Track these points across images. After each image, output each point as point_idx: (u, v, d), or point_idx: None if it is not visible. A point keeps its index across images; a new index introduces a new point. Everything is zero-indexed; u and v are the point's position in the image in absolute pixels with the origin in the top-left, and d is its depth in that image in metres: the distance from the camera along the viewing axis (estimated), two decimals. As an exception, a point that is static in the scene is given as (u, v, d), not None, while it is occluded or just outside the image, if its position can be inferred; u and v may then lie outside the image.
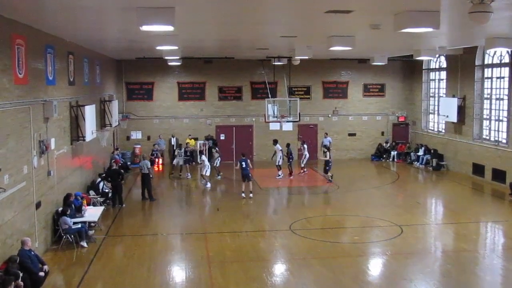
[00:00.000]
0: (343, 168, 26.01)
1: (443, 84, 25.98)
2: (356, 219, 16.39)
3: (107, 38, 16.11)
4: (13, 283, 8.87)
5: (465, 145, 23.55)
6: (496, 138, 21.80)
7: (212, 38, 16.03)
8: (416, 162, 26.61)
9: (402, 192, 21.28)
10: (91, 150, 18.96)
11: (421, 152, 26.52)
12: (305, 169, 24.09)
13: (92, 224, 14.71)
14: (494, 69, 22.09)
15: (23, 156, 11.38)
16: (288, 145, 23.93)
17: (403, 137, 29.23)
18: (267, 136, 26.78)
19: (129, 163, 25.78)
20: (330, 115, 28.76)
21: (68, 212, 13.40)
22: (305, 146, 24.30)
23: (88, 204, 15.73)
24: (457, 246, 13.87)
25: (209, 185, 21.26)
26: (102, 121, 20.82)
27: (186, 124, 27.91)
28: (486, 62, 22.54)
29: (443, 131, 25.93)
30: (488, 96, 22.48)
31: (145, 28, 9.37)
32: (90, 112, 16.49)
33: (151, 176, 19.39)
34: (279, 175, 22.98)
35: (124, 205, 17.89)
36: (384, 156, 28.50)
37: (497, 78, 21.86)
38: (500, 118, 21.61)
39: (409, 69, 28.75)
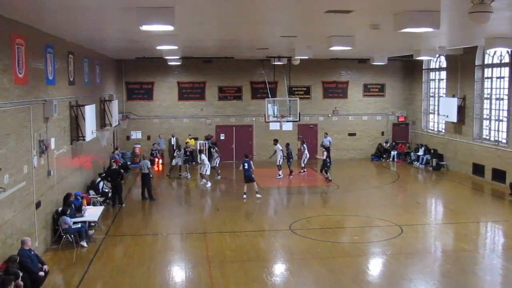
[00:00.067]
0: (343, 168, 26.04)
1: (443, 84, 25.99)
2: (356, 219, 16.40)
3: (107, 38, 16.12)
4: (13, 282, 8.87)
5: (465, 145, 23.55)
6: (496, 138, 21.80)
7: (212, 38, 16.03)
8: (416, 162, 26.61)
9: (402, 192, 21.28)
10: (91, 150, 18.96)
11: (421, 152, 26.52)
12: (305, 169, 24.09)
13: (92, 224, 14.71)
14: (494, 69, 22.09)
15: (23, 155, 11.38)
16: (287, 144, 23.94)
17: (403, 137, 29.23)
18: (267, 136, 26.80)
19: (129, 162, 25.79)
20: (330, 115, 28.76)
21: (68, 212, 13.41)
22: (305, 146, 24.30)
23: (88, 204, 15.73)
24: (457, 246, 13.87)
25: (209, 184, 21.26)
26: (102, 121, 20.83)
27: (186, 124, 27.91)
28: (486, 62, 22.54)
29: (443, 131, 25.93)
30: (488, 96, 22.48)
31: (145, 28, 9.38)
32: (90, 112, 16.49)
33: (151, 176, 19.39)
34: (280, 175, 22.99)
35: (124, 205, 17.89)
36: (384, 156, 28.50)
37: (497, 78, 21.87)
38: (500, 118, 21.62)
39: (409, 69, 28.75)
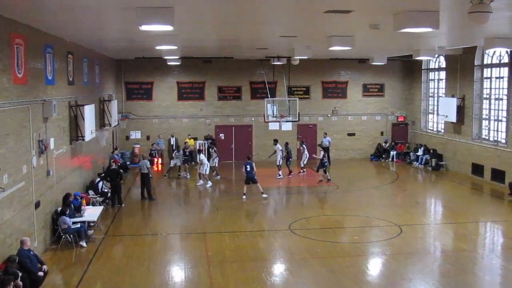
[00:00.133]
0: (342, 168, 26.05)
1: (443, 84, 26.00)
2: (355, 219, 16.40)
3: (106, 38, 16.11)
4: (12, 282, 8.87)
5: (464, 145, 23.56)
6: (495, 138, 21.81)
7: (211, 38, 16.03)
8: (415, 162, 26.63)
9: (402, 192, 21.28)
10: (90, 150, 18.96)
11: (420, 152, 26.53)
12: (305, 169, 24.10)
13: (91, 224, 14.70)
14: (493, 69, 22.10)
15: (22, 155, 11.37)
16: (286, 144, 23.96)
17: (403, 137, 29.24)
18: (266, 136, 26.80)
19: (128, 162, 25.78)
20: (329, 115, 28.77)
21: (67, 212, 13.40)
22: (305, 146, 24.32)
23: (87, 204, 15.73)
24: (456, 246, 13.87)
25: (210, 184, 21.24)
26: (101, 121, 20.81)
27: (185, 124, 27.91)
28: (485, 62, 22.55)
29: (442, 131, 25.94)
30: (487, 96, 22.49)
31: (144, 28, 9.38)
32: (89, 112, 16.48)
33: (150, 176, 19.38)
34: (279, 175, 23.00)
35: (123, 205, 17.88)
36: (384, 156, 28.51)
37: (496, 78, 21.88)
38: (499, 118, 21.63)
39: (409, 69, 28.76)
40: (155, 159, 26.19)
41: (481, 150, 22.34)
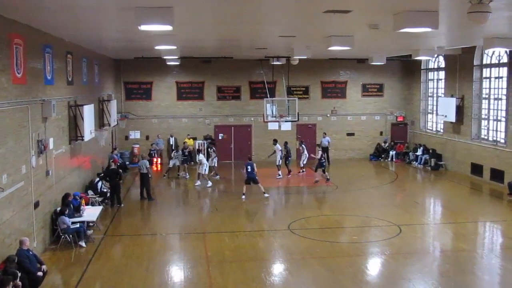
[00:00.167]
0: (341, 168, 26.06)
1: (442, 84, 26.01)
2: (354, 218, 16.40)
3: (105, 38, 16.10)
4: (11, 283, 8.86)
5: (464, 145, 23.58)
6: (495, 138, 21.82)
7: (210, 37, 16.02)
8: (414, 162, 26.64)
9: (401, 192, 21.29)
10: (90, 149, 18.95)
11: (419, 152, 26.55)
12: (304, 169, 24.10)
13: (91, 224, 14.70)
14: (493, 69, 22.11)
15: (21, 155, 11.37)
16: (285, 143, 23.99)
17: (402, 137, 29.25)
18: (265, 136, 26.81)
19: (127, 162, 25.77)
20: (328, 115, 28.77)
21: (67, 212, 13.40)
22: (304, 146, 24.33)
23: (87, 204, 15.73)
24: (456, 246, 13.88)
25: (210, 184, 21.22)
26: (100, 121, 20.80)
27: (184, 123, 27.90)
28: (484, 62, 22.56)
29: (442, 131, 25.95)
30: (487, 96, 22.50)
31: (143, 27, 9.37)
32: (88, 112, 16.47)
33: (149, 176, 19.37)
34: (279, 175, 23.01)
35: (122, 205, 17.87)
36: (383, 156, 28.52)
37: (496, 78, 21.89)
38: (499, 118, 21.64)
39: (408, 69, 28.77)
40: (154, 159, 26.20)
41: (480, 150, 22.35)
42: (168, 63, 25.25)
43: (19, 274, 9.44)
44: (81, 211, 14.35)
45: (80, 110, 15.93)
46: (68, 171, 15.72)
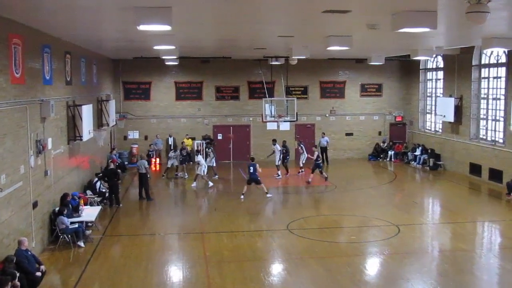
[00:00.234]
0: (340, 168, 26.08)
1: (440, 84, 26.03)
2: (353, 218, 16.41)
3: (104, 38, 16.09)
4: (9, 283, 8.85)
5: (462, 144, 23.60)
6: (493, 138, 21.85)
7: (209, 38, 16.02)
8: (413, 162, 26.66)
9: (399, 191, 21.31)
10: (88, 149, 18.93)
11: (418, 152, 26.57)
12: (303, 169, 24.11)
13: (89, 224, 14.70)
14: (491, 69, 22.14)
15: (20, 155, 11.35)
16: (284, 142, 24.00)
17: (400, 137, 29.27)
18: (264, 136, 26.81)
19: (126, 162, 25.75)
20: (327, 115, 28.78)
21: (65, 212, 13.38)
22: (302, 146, 24.37)
23: (85, 204, 15.71)
24: (454, 246, 13.89)
25: (211, 184, 21.18)
26: (99, 121, 20.78)
27: (183, 123, 27.89)
28: (483, 62, 22.58)
29: (440, 130, 25.97)
30: (485, 96, 22.52)
31: (142, 27, 9.36)
32: (87, 112, 16.46)
33: (148, 176, 19.36)
34: (278, 175, 23.03)
35: (121, 205, 17.86)
36: (382, 155, 28.54)
37: (494, 78, 21.91)
38: (497, 118, 21.67)
39: (406, 69, 28.79)
40: (153, 160, 26.18)
41: (479, 150, 22.38)
42: (166, 63, 25.24)
43: (18, 274, 9.43)
44: (79, 211, 14.33)
45: (79, 110, 15.92)
46: (67, 171, 15.70)
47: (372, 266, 12.23)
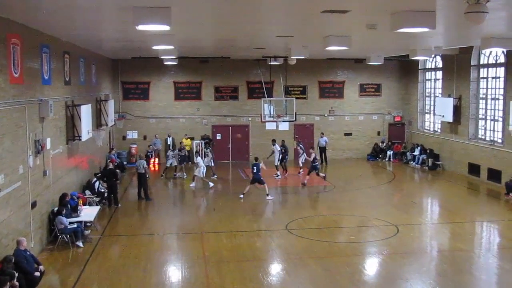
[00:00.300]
0: (339, 167, 26.08)
1: (439, 84, 26.04)
2: (352, 218, 16.42)
3: (103, 38, 16.08)
4: (8, 283, 8.85)
5: (461, 144, 23.62)
6: (492, 138, 21.87)
7: (208, 37, 16.02)
8: (412, 162, 26.68)
9: (398, 191, 21.32)
10: (87, 149, 18.92)
11: (417, 152, 26.58)
12: (302, 169, 24.11)
13: (88, 224, 14.69)
14: (490, 69, 22.16)
15: (18, 155, 11.35)
16: (283, 141, 24.03)
17: (399, 137, 29.28)
18: (263, 135, 26.82)
19: (125, 162, 25.73)
20: (326, 115, 28.78)
21: (64, 212, 13.37)
22: (301, 146, 24.39)
23: (84, 204, 15.70)
24: (453, 246, 13.90)
25: (211, 185, 21.14)
26: (98, 121, 20.77)
27: (182, 123, 27.87)
28: (481, 62, 22.60)
29: (439, 131, 25.99)
30: (484, 96, 22.54)
31: (141, 27, 9.36)
32: (86, 112, 16.45)
33: (147, 176, 19.36)
34: (277, 175, 23.03)
35: (119, 205, 17.84)
36: (380, 155, 28.55)
37: (493, 78, 21.94)
38: (496, 118, 21.68)
39: (405, 69, 28.81)
40: (151, 160, 26.16)
41: (478, 150, 22.40)
42: (165, 63, 25.24)
43: (16, 275, 9.42)
44: (78, 211, 14.33)
45: (78, 110, 15.91)
46: (66, 171, 15.69)
47: (371, 266, 12.24)
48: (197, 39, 16.09)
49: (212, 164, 23.13)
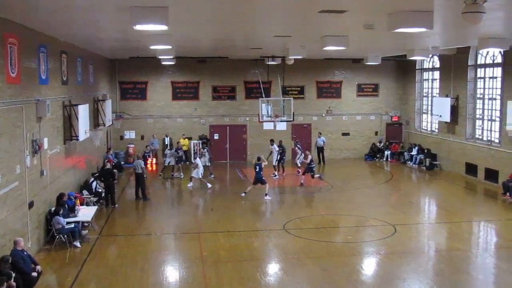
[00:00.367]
0: (337, 167, 26.09)
1: (436, 84, 26.08)
2: (349, 218, 16.43)
3: (100, 38, 16.05)
4: (5, 283, 8.83)
5: (458, 144, 23.65)
6: (489, 138, 21.90)
7: (206, 37, 16.00)
8: (409, 162, 26.70)
9: (396, 191, 21.34)
10: (85, 149, 18.89)
11: (414, 152, 26.61)
12: (299, 169, 24.11)
13: (86, 224, 14.65)
14: (487, 69, 22.19)
15: (15, 155, 11.32)
16: (280, 142, 24.04)
17: (397, 136, 29.31)
18: (261, 135, 26.83)
19: (123, 162, 25.71)
20: (323, 115, 28.79)
21: (61, 212, 13.34)
22: (299, 146, 24.41)
23: (81, 204, 15.67)
24: (450, 245, 13.92)
25: (210, 185, 21.09)
26: (95, 121, 20.75)
27: (180, 123, 27.86)
28: (479, 62, 22.64)
29: (436, 130, 26.03)
30: (481, 96, 22.58)
31: (138, 27, 9.35)
32: (83, 112, 16.42)
33: (145, 176, 19.34)
34: (275, 175, 23.04)
35: (116, 206, 17.81)
36: (378, 155, 28.57)
37: (490, 78, 21.97)
38: (493, 118, 21.72)
39: (403, 69, 28.84)
40: (149, 160, 26.13)
41: (475, 149, 22.43)
42: (163, 63, 25.22)
43: (13, 275, 9.39)
44: (76, 211, 14.30)
45: (75, 110, 15.88)
46: (63, 171, 15.66)
47: (369, 266, 12.24)
48: (194, 39, 16.08)
49: (209, 164, 23.12)
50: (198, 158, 21.82)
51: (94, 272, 11.53)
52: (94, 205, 16.58)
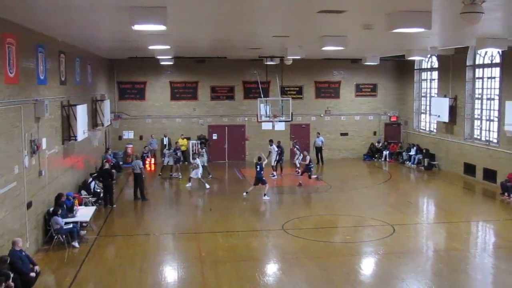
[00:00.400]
0: (335, 167, 26.11)
1: (435, 84, 26.11)
2: (348, 218, 16.44)
3: (99, 38, 16.04)
4: (3, 283, 8.82)
5: (457, 144, 23.68)
6: (487, 138, 21.93)
7: (204, 37, 16.00)
8: (408, 162, 26.73)
9: (394, 191, 21.36)
10: (83, 149, 18.87)
11: (413, 152, 26.64)
12: (298, 170, 24.11)
13: (84, 224, 14.64)
14: (485, 69, 22.22)
15: (14, 156, 11.30)
16: (279, 142, 24.03)
17: (395, 137, 29.34)
18: (259, 135, 26.82)
19: (121, 162, 25.69)
20: (322, 115, 28.81)
21: (60, 212, 13.33)
22: (298, 147, 24.44)
23: (80, 204, 15.65)
24: (449, 245, 13.94)
25: (208, 186, 21.07)
26: (94, 121, 20.72)
27: (178, 123, 27.85)
28: (477, 62, 22.67)
29: (435, 131, 26.05)
30: (479, 96, 22.61)
31: (137, 27, 9.34)
32: (81, 112, 16.40)
33: (143, 176, 19.31)
34: (274, 175, 23.04)
35: (114, 206, 17.79)
36: (376, 155, 28.59)
37: (488, 78, 22.00)
38: (491, 118, 21.75)
39: (401, 69, 28.86)
40: (147, 160, 26.12)
41: (473, 150, 22.46)
42: (161, 63, 25.20)
43: (12, 275, 9.38)
44: (74, 212, 14.29)
45: (73, 110, 15.86)
46: (61, 171, 15.65)
47: (367, 266, 12.25)
48: (193, 39, 16.07)
49: (205, 164, 23.08)
50: (197, 159, 21.81)
51: (93, 273, 11.52)
52: (92, 205, 16.56)
